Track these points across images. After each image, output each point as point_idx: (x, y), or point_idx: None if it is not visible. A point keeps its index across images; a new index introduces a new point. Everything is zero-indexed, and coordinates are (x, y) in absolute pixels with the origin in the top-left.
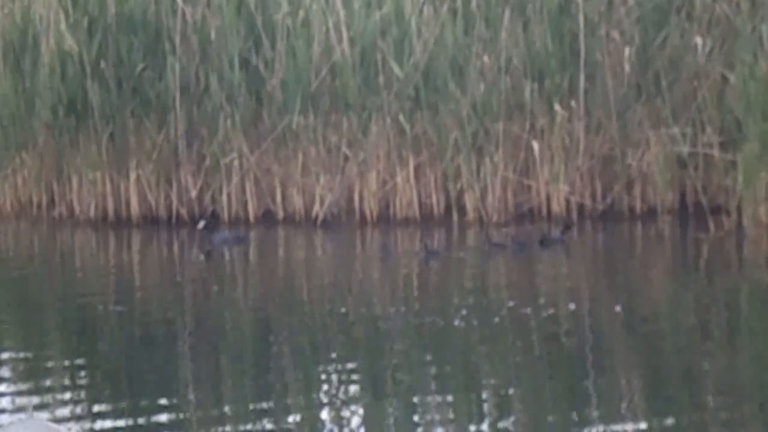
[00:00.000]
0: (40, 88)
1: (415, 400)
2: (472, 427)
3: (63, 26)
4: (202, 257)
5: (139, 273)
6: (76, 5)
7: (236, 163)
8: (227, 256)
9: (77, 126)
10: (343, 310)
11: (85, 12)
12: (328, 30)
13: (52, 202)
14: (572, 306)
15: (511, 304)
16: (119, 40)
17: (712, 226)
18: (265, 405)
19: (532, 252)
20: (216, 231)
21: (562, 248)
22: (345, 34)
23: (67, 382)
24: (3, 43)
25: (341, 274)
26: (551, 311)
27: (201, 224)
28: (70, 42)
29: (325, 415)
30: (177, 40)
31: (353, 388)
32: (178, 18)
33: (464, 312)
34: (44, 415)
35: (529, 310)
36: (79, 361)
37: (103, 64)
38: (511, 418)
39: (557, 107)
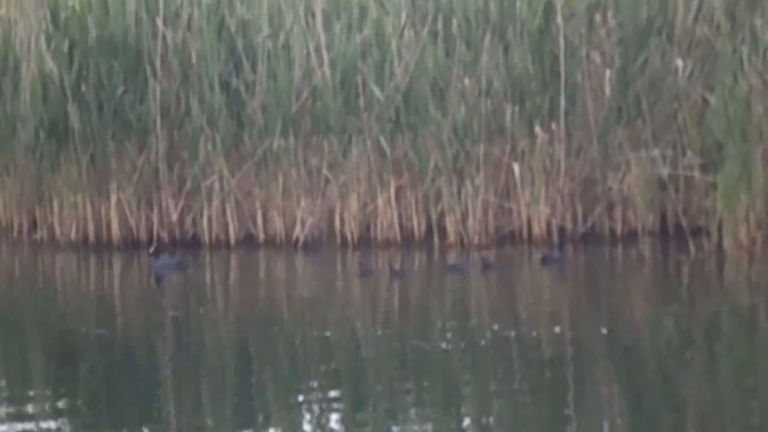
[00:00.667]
0: (20, 111)
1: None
2: None
3: (44, 49)
4: (153, 282)
5: (119, 296)
6: (56, 28)
7: (217, 185)
8: (208, 279)
9: (58, 149)
10: (324, 333)
11: (65, 35)
12: (308, 53)
13: (33, 225)
14: (555, 329)
15: (495, 327)
16: (100, 63)
17: (692, 248)
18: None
19: (503, 273)
20: (160, 256)
21: (550, 269)
22: (326, 57)
23: (48, 408)
24: None
25: (322, 296)
26: (533, 334)
27: (152, 249)
28: (50, 65)
29: None
30: (158, 63)
31: (334, 412)
32: (159, 41)
33: (447, 335)
34: None
35: (511, 334)
36: (61, 388)
37: (83, 87)
38: None
39: (538, 130)
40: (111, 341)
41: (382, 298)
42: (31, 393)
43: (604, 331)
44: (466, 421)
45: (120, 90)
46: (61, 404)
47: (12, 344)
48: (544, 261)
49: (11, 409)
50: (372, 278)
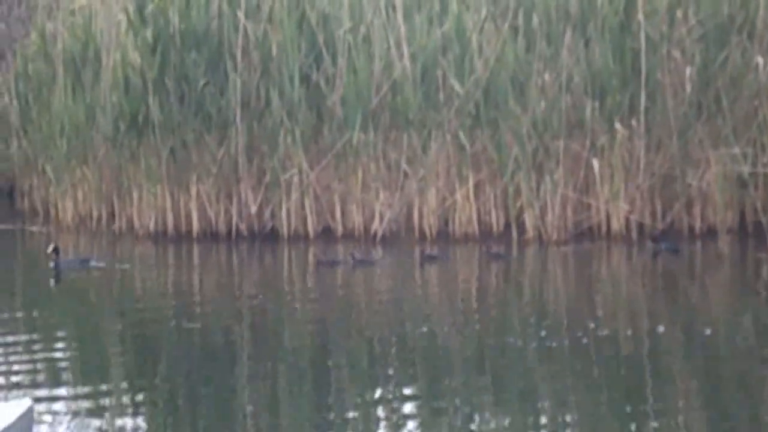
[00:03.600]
0: (101, 102)
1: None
2: None
3: (125, 40)
4: (53, 281)
5: (198, 288)
6: (142, 21)
7: (296, 179)
8: (286, 272)
9: (138, 140)
10: (402, 327)
11: (149, 27)
12: (389, 46)
13: (112, 216)
14: (631, 325)
15: (566, 321)
16: (182, 55)
17: None
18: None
19: (583, 267)
20: (61, 256)
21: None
22: (406, 51)
23: (124, 393)
24: (64, 57)
25: (399, 289)
26: (607, 331)
27: (50, 248)
28: (133, 57)
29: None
30: (238, 55)
31: (410, 404)
32: (240, 34)
33: (528, 330)
34: (101, 425)
35: (585, 325)
36: (138, 379)
37: (165, 79)
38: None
39: (618, 125)
40: (189, 332)
41: (459, 291)
42: (110, 384)
43: (677, 327)
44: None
45: (202, 82)
46: (137, 396)
47: (90, 335)
48: (675, 251)
49: (89, 402)
50: (446, 271)
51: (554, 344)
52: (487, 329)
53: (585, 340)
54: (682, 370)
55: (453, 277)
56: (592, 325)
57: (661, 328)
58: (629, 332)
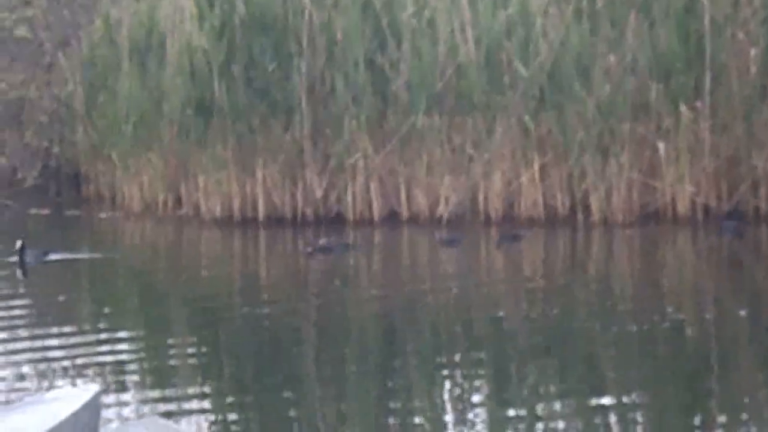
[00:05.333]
0: (166, 87)
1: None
2: None
3: (189, 26)
4: (19, 273)
5: (264, 272)
6: (209, 5)
7: (361, 163)
8: (352, 257)
9: (204, 126)
10: (468, 311)
11: (215, 13)
12: (453, 30)
13: (178, 202)
14: (696, 308)
15: (631, 306)
16: (249, 40)
17: None
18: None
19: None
20: (29, 250)
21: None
22: (470, 35)
23: (191, 379)
24: (129, 43)
25: (465, 272)
26: (674, 315)
27: (18, 244)
28: (198, 42)
29: (449, 417)
30: (304, 41)
31: (477, 391)
32: (305, 19)
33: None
34: (169, 409)
35: (653, 310)
36: (205, 359)
37: (232, 64)
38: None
39: (683, 108)
40: (256, 317)
41: (524, 276)
42: (175, 362)
43: (744, 312)
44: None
45: (269, 68)
46: (204, 381)
47: (157, 321)
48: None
49: (155, 380)
50: (511, 255)
51: (621, 328)
52: (552, 313)
53: (652, 324)
54: (750, 356)
55: (519, 259)
56: (659, 309)
57: (728, 313)
58: (696, 316)
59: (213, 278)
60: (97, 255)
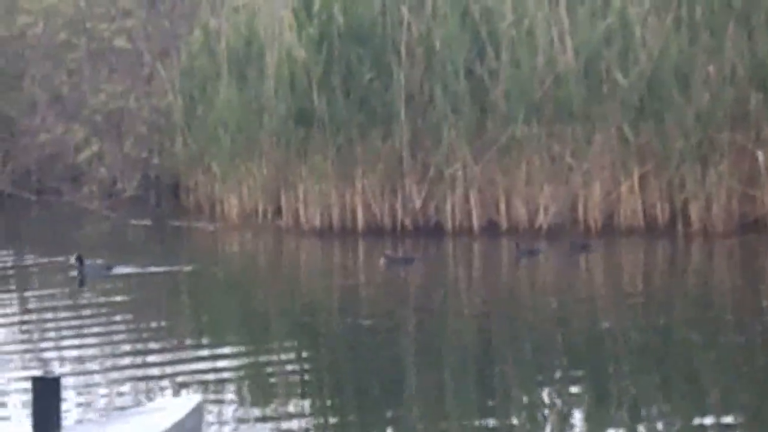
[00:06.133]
0: (266, 98)
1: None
2: None
3: (289, 37)
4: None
5: (363, 283)
6: (308, 17)
7: (460, 173)
8: (451, 266)
9: (305, 136)
10: (567, 321)
11: (314, 24)
12: (552, 40)
13: (277, 212)
14: None
15: (732, 318)
16: (348, 51)
17: None
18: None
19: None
20: (84, 262)
21: None
22: (569, 44)
23: (291, 393)
24: (228, 53)
25: (565, 283)
26: None
27: (73, 257)
28: (297, 53)
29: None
30: (403, 51)
31: (577, 408)
32: (404, 29)
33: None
34: (269, 420)
35: (754, 322)
36: (304, 374)
37: (331, 75)
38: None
39: None
40: (355, 331)
41: (624, 287)
42: (274, 369)
43: None
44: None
45: (367, 78)
46: (304, 388)
47: (257, 333)
48: None
49: (256, 390)
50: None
51: (723, 341)
52: (653, 321)
53: (752, 334)
54: None
55: (618, 269)
56: (760, 320)
57: None
58: None
59: (312, 290)
60: (173, 268)
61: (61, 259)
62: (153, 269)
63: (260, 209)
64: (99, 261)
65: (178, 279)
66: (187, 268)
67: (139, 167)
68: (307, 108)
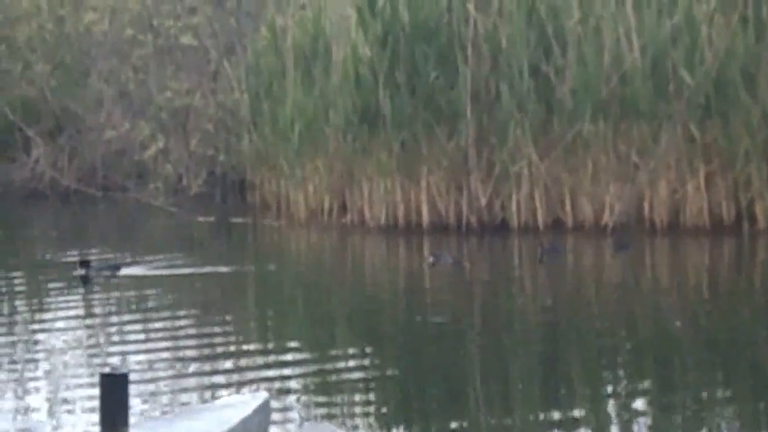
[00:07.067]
0: (332, 95)
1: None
2: None
3: (355, 34)
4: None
5: (427, 281)
6: (372, 14)
7: (526, 171)
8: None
9: (369, 134)
10: (632, 319)
11: (379, 21)
12: (618, 38)
13: (343, 209)
14: None
15: None
16: (413, 48)
17: None
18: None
19: None
20: (91, 262)
21: None
22: (636, 42)
23: (357, 387)
24: (294, 51)
25: (630, 281)
26: None
27: (78, 259)
28: (363, 50)
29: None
30: (468, 48)
31: (642, 404)
32: (470, 26)
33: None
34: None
35: None
36: (369, 372)
37: (396, 72)
38: None
39: None
40: (420, 325)
41: (690, 285)
42: (338, 367)
43: None
44: None
45: (433, 76)
46: (369, 386)
47: (322, 329)
48: None
49: (320, 386)
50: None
51: None
52: (719, 318)
53: None
54: None
55: (683, 267)
56: None
57: None
58: None
59: (377, 287)
60: (203, 269)
61: (126, 257)
62: (163, 272)
63: (325, 206)
64: (109, 261)
65: (244, 276)
66: (226, 269)
67: (204, 164)
68: (372, 105)
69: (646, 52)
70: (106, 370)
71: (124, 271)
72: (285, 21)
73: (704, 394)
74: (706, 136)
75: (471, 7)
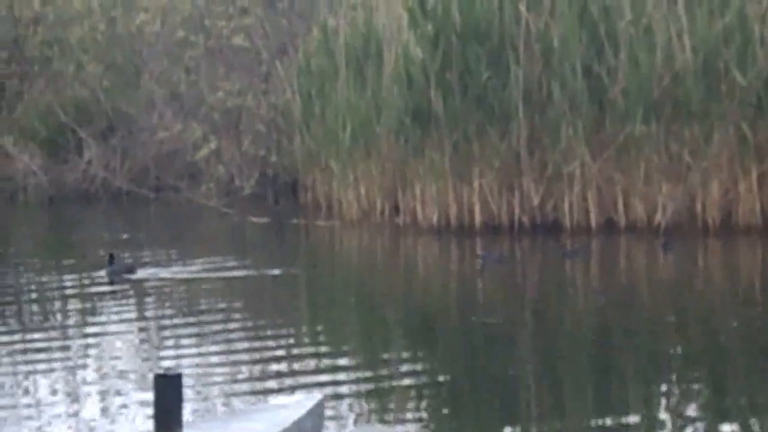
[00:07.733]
0: (383, 96)
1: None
2: None
3: (407, 35)
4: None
5: (480, 282)
6: (424, 15)
7: (578, 171)
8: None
9: (422, 135)
10: (684, 320)
11: (430, 22)
12: (670, 38)
13: (395, 210)
14: None
15: None
16: (465, 49)
17: None
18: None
19: None
20: (112, 263)
21: None
22: (688, 42)
23: (409, 391)
24: (346, 52)
25: (683, 280)
26: None
27: (107, 256)
28: (414, 51)
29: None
30: (520, 48)
31: (694, 408)
32: (522, 26)
33: None
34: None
35: None
36: (422, 375)
37: (447, 73)
38: None
39: None
40: (473, 326)
41: (743, 286)
42: (390, 371)
43: None
44: None
45: (484, 76)
46: (420, 398)
47: (374, 331)
48: None
49: (370, 388)
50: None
51: None
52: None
53: None
54: None
55: (736, 267)
56: None
57: None
58: None
59: (430, 288)
60: (198, 274)
61: (179, 260)
62: (182, 275)
63: (378, 207)
64: (127, 261)
65: (297, 278)
66: (275, 272)
67: (257, 165)
68: (424, 106)
69: (697, 52)
70: (160, 371)
71: (151, 273)
72: (336, 22)
73: (759, 400)
74: (758, 136)
75: (522, 7)
